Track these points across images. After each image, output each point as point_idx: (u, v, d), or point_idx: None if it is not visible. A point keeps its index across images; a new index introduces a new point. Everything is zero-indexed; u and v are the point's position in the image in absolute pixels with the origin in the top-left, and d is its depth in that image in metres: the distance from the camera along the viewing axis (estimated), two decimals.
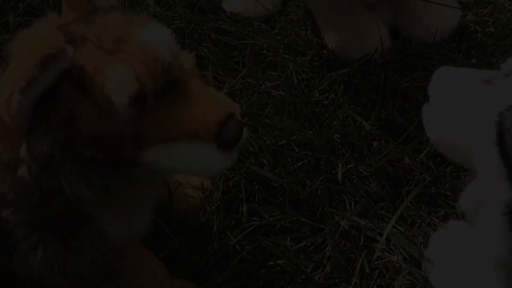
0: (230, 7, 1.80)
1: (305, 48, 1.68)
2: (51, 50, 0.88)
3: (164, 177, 1.24)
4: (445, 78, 1.09)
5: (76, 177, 0.95)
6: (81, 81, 0.92)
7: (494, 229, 0.97)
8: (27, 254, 1.06)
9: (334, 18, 1.64)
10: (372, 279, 1.33)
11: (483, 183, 0.98)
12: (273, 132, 1.50)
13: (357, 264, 1.34)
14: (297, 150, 1.48)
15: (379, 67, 1.60)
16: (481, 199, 0.99)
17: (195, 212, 1.40)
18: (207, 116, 0.97)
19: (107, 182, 0.98)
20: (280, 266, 1.35)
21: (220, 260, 1.36)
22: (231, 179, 1.45)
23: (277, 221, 1.40)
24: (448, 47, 1.63)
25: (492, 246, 0.98)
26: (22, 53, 0.90)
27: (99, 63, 0.92)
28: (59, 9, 1.08)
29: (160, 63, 0.95)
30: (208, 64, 1.67)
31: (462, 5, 1.69)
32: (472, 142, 0.99)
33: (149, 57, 0.95)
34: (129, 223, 1.13)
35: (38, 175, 0.95)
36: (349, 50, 1.62)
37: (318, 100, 1.57)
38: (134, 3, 1.83)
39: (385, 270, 1.34)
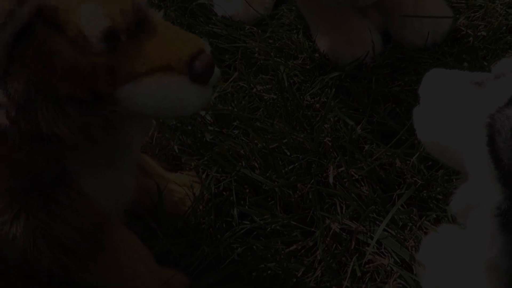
0: (222, 10, 1.80)
1: (296, 51, 1.68)
2: None
3: (141, 132, 1.23)
4: (435, 80, 1.09)
5: (54, 116, 0.97)
6: (54, 19, 0.95)
7: (485, 231, 0.97)
8: (9, 225, 1.06)
9: (326, 22, 1.64)
10: (363, 283, 1.33)
11: (474, 186, 0.98)
12: (264, 135, 1.49)
13: (348, 268, 1.33)
14: (288, 154, 1.48)
15: (371, 71, 1.60)
16: (472, 202, 0.99)
17: (185, 214, 1.39)
18: (179, 49, 1.00)
19: (85, 121, 0.99)
20: (271, 269, 1.35)
21: (211, 263, 1.36)
22: (222, 182, 1.45)
23: (268, 225, 1.39)
24: (440, 51, 1.63)
25: (483, 249, 0.98)
26: None
27: (72, 2, 0.96)
28: None
29: (131, 2, 1.00)
30: None
31: (453, 9, 1.70)
32: (463, 144, 0.99)
33: None
34: (110, 187, 1.14)
35: (16, 118, 0.96)
36: (340, 54, 1.62)
37: (310, 104, 1.57)
38: None
39: (376, 273, 1.33)
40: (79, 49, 0.95)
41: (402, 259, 1.33)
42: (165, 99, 1.01)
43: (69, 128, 0.98)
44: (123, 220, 1.24)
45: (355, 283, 1.32)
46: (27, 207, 1.05)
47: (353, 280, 1.33)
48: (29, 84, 0.95)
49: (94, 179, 1.11)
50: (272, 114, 1.54)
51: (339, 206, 1.41)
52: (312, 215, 1.40)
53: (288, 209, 1.42)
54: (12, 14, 0.90)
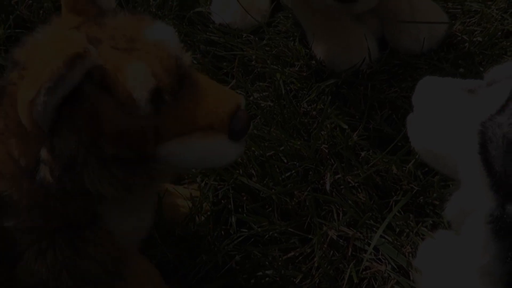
0: (219, 18, 1.80)
1: (293, 59, 1.68)
2: (78, 49, 0.90)
3: (176, 172, 1.27)
4: (429, 88, 1.10)
5: (99, 176, 0.97)
6: (103, 80, 0.94)
7: (478, 238, 0.97)
8: (35, 261, 1.06)
9: (322, 29, 1.65)
10: None
11: (467, 193, 0.99)
12: (261, 143, 1.50)
13: (345, 274, 1.34)
14: (285, 161, 1.48)
15: (367, 77, 1.60)
16: (465, 209, 1.00)
17: (184, 222, 1.40)
18: (219, 108, 1.00)
19: (129, 180, 1.00)
20: (268, 276, 1.35)
21: (209, 270, 1.36)
22: (220, 190, 1.45)
23: (265, 232, 1.40)
24: (436, 56, 1.64)
25: (477, 255, 0.99)
26: (42, 57, 0.92)
27: (117, 62, 0.95)
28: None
29: (173, 59, 0.99)
30: None
31: (449, 15, 1.70)
32: (456, 152, 0.99)
33: (163, 53, 0.98)
34: (133, 223, 1.15)
35: (61, 176, 0.96)
36: (337, 61, 1.63)
37: (306, 111, 1.58)
38: None
39: (374, 280, 1.34)
40: (126, 112, 0.95)
41: (399, 265, 1.34)
42: (204, 156, 1.03)
43: (114, 186, 0.99)
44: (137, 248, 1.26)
45: None
46: (55, 244, 1.06)
47: (351, 287, 1.33)
48: (77, 146, 0.94)
49: (119, 219, 1.11)
50: (269, 121, 1.54)
51: (336, 213, 1.42)
52: (309, 222, 1.41)
53: (286, 216, 1.42)
54: (63, 78, 0.88)
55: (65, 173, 0.96)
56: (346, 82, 1.60)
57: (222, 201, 1.45)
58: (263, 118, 1.56)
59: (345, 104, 1.57)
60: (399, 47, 1.66)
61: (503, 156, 0.91)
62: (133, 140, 0.97)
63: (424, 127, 1.07)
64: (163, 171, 1.04)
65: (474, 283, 1.08)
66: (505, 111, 0.92)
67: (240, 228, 1.41)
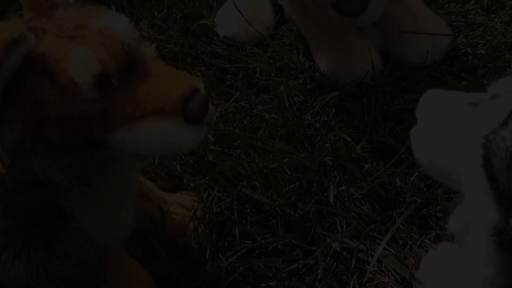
0: (223, 31, 1.81)
1: (297, 71, 1.69)
2: (13, 35, 0.90)
3: (138, 167, 1.23)
4: (432, 101, 1.10)
5: (48, 163, 0.96)
6: (44, 66, 0.94)
7: (481, 250, 0.97)
8: (12, 264, 1.07)
9: (326, 42, 1.65)
10: None
11: (470, 205, 0.99)
12: (265, 155, 1.50)
13: (349, 286, 1.34)
14: (289, 173, 1.49)
15: (371, 90, 1.61)
16: (469, 221, 1.00)
17: (186, 233, 1.40)
18: (172, 91, 0.99)
19: (80, 166, 0.99)
20: None
21: (213, 282, 1.37)
22: (224, 201, 1.46)
23: (269, 244, 1.40)
24: (439, 69, 1.64)
25: (480, 267, 0.99)
26: None
27: (61, 48, 0.95)
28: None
29: (120, 44, 0.99)
30: None
31: (452, 27, 1.70)
32: (459, 165, 1.00)
33: (109, 39, 0.98)
34: (110, 221, 1.14)
35: (12, 166, 0.96)
36: (340, 73, 1.63)
37: (310, 123, 1.58)
38: None
39: None
40: (70, 97, 0.94)
41: (403, 277, 1.34)
42: (159, 141, 1.01)
43: (64, 174, 0.98)
44: (123, 246, 1.25)
45: None
46: (29, 244, 1.06)
47: None
48: (22, 133, 0.94)
49: (92, 215, 1.11)
50: (273, 133, 1.55)
51: (340, 225, 1.42)
52: (313, 234, 1.41)
53: (289, 228, 1.43)
54: (1, 64, 0.89)
55: (15, 162, 0.96)
56: (350, 94, 1.61)
57: (226, 212, 1.45)
58: (267, 130, 1.56)
59: (348, 117, 1.58)
60: (402, 60, 1.66)
61: (507, 169, 0.91)
62: (78, 125, 0.96)
63: (428, 140, 1.07)
64: (116, 157, 1.03)
65: None
66: (508, 125, 0.92)
67: (244, 240, 1.42)
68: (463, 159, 0.98)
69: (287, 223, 1.43)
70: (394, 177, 1.44)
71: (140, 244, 1.37)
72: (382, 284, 1.34)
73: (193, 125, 1.01)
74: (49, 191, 1.03)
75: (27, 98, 0.94)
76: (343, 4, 1.42)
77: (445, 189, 1.40)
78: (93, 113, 0.96)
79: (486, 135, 0.93)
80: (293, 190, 1.46)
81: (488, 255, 0.97)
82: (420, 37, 1.63)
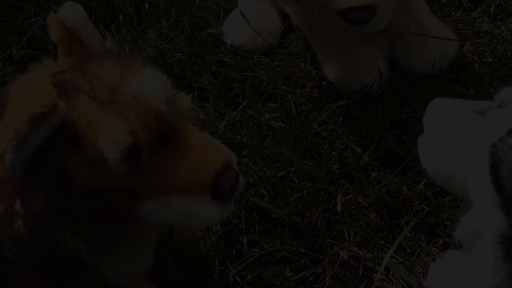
0: (231, 39, 1.81)
1: (304, 80, 1.69)
2: (42, 109, 0.86)
3: (162, 227, 1.21)
4: (439, 110, 1.11)
5: (71, 234, 0.94)
6: (74, 136, 0.90)
7: (489, 258, 0.98)
8: None
9: (333, 50, 1.66)
10: None
11: (478, 213, 0.99)
12: (272, 163, 1.51)
13: None
14: (296, 181, 1.49)
15: (378, 98, 1.61)
16: (476, 229, 1.00)
17: (195, 242, 1.40)
18: (202, 169, 0.95)
19: (103, 238, 0.97)
20: None
21: None
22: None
23: (277, 252, 1.40)
24: (446, 77, 1.64)
25: (488, 275, 0.99)
26: (15, 108, 0.89)
27: (92, 116, 0.91)
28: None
29: (155, 114, 0.94)
30: (208, 96, 1.68)
31: (459, 36, 1.71)
32: (467, 173, 1.00)
33: (144, 108, 0.93)
34: (129, 265, 1.12)
35: (33, 231, 0.93)
36: (348, 82, 1.64)
37: (317, 132, 1.58)
38: (136, 36, 1.85)
39: None
40: (97, 171, 0.90)
41: (410, 285, 1.34)
42: (186, 217, 0.98)
43: (87, 244, 0.95)
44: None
45: None
46: (45, 283, 1.05)
47: None
48: (47, 202, 0.91)
49: (111, 261, 1.08)
50: (280, 142, 1.55)
51: (347, 233, 1.42)
52: (320, 242, 1.41)
53: (297, 236, 1.43)
54: (26, 138, 0.86)
55: (37, 228, 0.93)
56: (357, 103, 1.61)
57: (234, 220, 1.45)
58: (275, 139, 1.57)
59: (356, 125, 1.58)
60: (409, 68, 1.67)
61: None
62: (103, 200, 0.93)
63: (435, 148, 1.08)
64: (142, 229, 1.01)
65: None
66: None
67: (252, 248, 1.42)
68: (471, 167, 0.98)
69: (294, 231, 1.43)
70: (402, 185, 1.44)
71: None
72: None
73: (221, 202, 0.98)
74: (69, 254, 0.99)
75: (53, 169, 0.90)
76: (350, 13, 1.42)
77: (452, 197, 1.40)
78: (120, 189, 0.93)
79: (493, 143, 0.94)
80: (301, 199, 1.47)
81: (496, 263, 0.97)
82: (427, 45, 1.63)
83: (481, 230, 0.99)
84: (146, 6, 1.95)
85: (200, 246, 1.41)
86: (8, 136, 0.86)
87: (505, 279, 0.97)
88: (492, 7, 1.78)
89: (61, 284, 1.06)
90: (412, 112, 1.58)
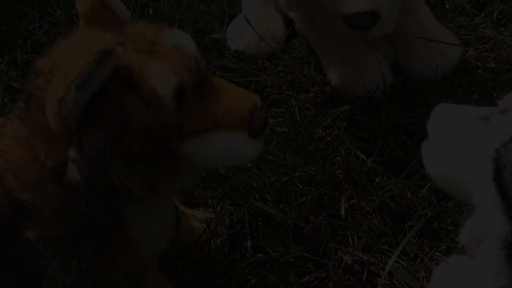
0: (234, 45, 1.82)
1: (308, 85, 1.70)
2: (106, 46, 0.93)
3: (194, 176, 1.28)
4: (443, 115, 1.11)
5: (125, 172, 1.00)
6: (129, 78, 0.97)
7: (492, 262, 0.98)
8: (59, 272, 1.07)
9: (337, 55, 1.66)
10: None
11: (481, 218, 1.00)
12: (276, 168, 1.51)
13: None
14: (300, 186, 1.49)
15: (381, 103, 1.62)
16: (480, 234, 1.00)
17: (200, 244, 1.41)
18: (239, 106, 1.04)
19: (154, 175, 1.03)
20: None
21: None
22: (235, 214, 1.46)
23: (280, 256, 1.41)
24: (449, 82, 1.65)
25: (491, 280, 1.00)
26: (73, 56, 0.95)
27: (141, 62, 0.98)
28: None
29: (193, 60, 1.03)
30: None
31: (463, 41, 1.71)
32: (470, 178, 1.00)
33: (183, 55, 1.02)
34: (156, 230, 1.17)
35: (89, 174, 0.98)
36: (351, 87, 1.64)
37: (321, 137, 1.59)
38: None
39: None
40: (152, 109, 0.97)
41: None
42: (226, 153, 1.06)
43: (139, 182, 1.01)
44: (157, 263, 1.26)
45: None
46: (79, 253, 1.08)
47: None
48: (105, 142, 0.97)
49: (142, 225, 1.13)
50: (284, 147, 1.56)
51: (351, 238, 1.42)
52: (324, 246, 1.41)
53: (301, 241, 1.43)
54: (93, 75, 0.91)
55: (93, 171, 0.98)
56: (361, 108, 1.62)
57: (238, 225, 1.46)
58: (279, 144, 1.57)
59: (359, 130, 1.58)
60: (412, 73, 1.67)
61: None
62: (158, 136, 0.99)
63: (439, 154, 1.08)
64: (186, 168, 1.06)
65: None
66: None
67: (256, 253, 1.42)
68: (474, 172, 0.99)
69: (298, 236, 1.44)
70: (405, 190, 1.45)
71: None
72: None
73: (255, 138, 1.06)
74: (113, 200, 1.06)
75: (111, 109, 0.96)
76: (354, 18, 1.43)
77: (456, 202, 1.41)
78: (171, 125, 1.00)
79: (497, 148, 0.94)
80: (305, 203, 1.47)
81: (499, 268, 0.97)
82: (431, 50, 1.64)
83: (484, 234, 0.99)
84: (150, 11, 1.95)
85: (205, 250, 1.42)
86: (67, 81, 0.91)
87: (508, 284, 0.97)
88: (495, 13, 1.79)
89: (96, 253, 1.08)
90: (415, 116, 1.58)
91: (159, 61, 0.99)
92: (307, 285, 1.38)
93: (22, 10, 1.98)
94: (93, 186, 1.00)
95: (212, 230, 1.41)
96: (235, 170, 1.52)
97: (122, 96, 0.96)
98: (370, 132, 1.57)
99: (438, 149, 1.09)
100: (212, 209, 1.47)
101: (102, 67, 0.91)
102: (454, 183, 1.07)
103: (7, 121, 1.08)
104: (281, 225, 1.45)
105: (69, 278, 1.08)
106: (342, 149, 1.54)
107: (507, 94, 1.08)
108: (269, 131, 1.59)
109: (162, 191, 1.08)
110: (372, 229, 1.42)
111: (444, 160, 1.07)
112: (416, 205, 1.44)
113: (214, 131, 1.03)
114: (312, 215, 1.44)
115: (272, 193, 1.47)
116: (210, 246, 1.42)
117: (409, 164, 1.47)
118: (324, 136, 1.59)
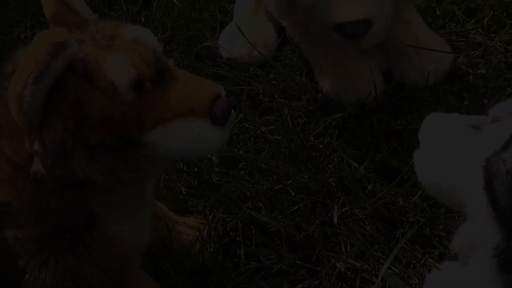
0: (226, 53, 1.83)
1: (300, 92, 1.70)
2: (60, 39, 0.95)
3: (162, 166, 1.28)
4: (435, 124, 1.12)
5: (87, 162, 1.01)
6: (85, 70, 0.99)
7: (484, 270, 0.98)
8: (39, 271, 1.10)
9: (328, 63, 1.67)
10: None
11: (473, 226, 1.00)
12: (269, 176, 1.52)
13: None
14: (293, 194, 1.50)
15: (373, 110, 1.62)
16: (472, 242, 1.01)
17: (192, 253, 1.41)
18: (199, 94, 1.06)
19: (117, 165, 1.04)
20: None
21: None
22: (229, 223, 1.47)
23: (274, 264, 1.41)
24: (441, 89, 1.65)
25: (483, 287, 1.00)
26: (30, 51, 0.96)
27: (99, 55, 1.01)
28: None
29: (152, 52, 1.06)
30: None
31: (453, 47, 1.72)
32: (462, 187, 1.01)
33: (142, 47, 1.05)
34: (133, 227, 1.19)
35: (52, 166, 1.00)
36: (343, 94, 1.65)
37: (314, 144, 1.59)
38: None
39: None
40: (109, 99, 1.00)
41: None
42: (189, 142, 1.06)
43: (102, 172, 1.03)
44: (141, 261, 1.27)
45: None
46: (56, 251, 1.10)
47: None
48: (65, 134, 0.99)
49: (117, 221, 1.15)
50: (277, 155, 1.56)
51: (344, 245, 1.43)
52: (317, 254, 1.42)
53: (294, 249, 1.44)
54: (47, 67, 0.93)
55: (56, 162, 1.00)
56: (353, 115, 1.62)
57: (231, 233, 1.46)
58: (271, 152, 1.58)
59: (351, 137, 1.59)
60: (404, 80, 1.68)
61: (508, 191, 0.92)
62: (117, 126, 1.01)
63: (431, 163, 1.09)
64: (149, 159, 1.07)
65: None
66: (509, 148, 0.94)
67: (249, 261, 1.43)
68: (466, 181, 0.99)
69: (291, 244, 1.44)
70: (397, 197, 1.45)
71: (151, 263, 1.38)
72: None
73: (218, 126, 1.06)
74: (82, 194, 1.07)
75: (69, 100, 0.99)
76: (346, 27, 1.44)
77: (448, 208, 1.41)
78: (130, 114, 1.02)
79: (488, 158, 0.95)
80: (298, 211, 1.48)
81: (491, 276, 0.98)
82: (422, 57, 1.64)
83: (476, 242, 1.00)
84: (142, 19, 1.96)
85: (198, 258, 1.42)
86: (24, 75, 0.93)
87: None
88: (485, 19, 1.79)
89: (73, 250, 1.10)
90: (407, 123, 1.59)
91: (117, 53, 1.02)
92: None
93: (14, 19, 1.98)
94: (59, 179, 1.02)
95: (204, 237, 1.41)
96: (228, 178, 1.53)
97: (79, 87, 0.99)
98: (362, 139, 1.57)
99: (430, 158, 1.09)
100: (203, 216, 1.48)
101: (56, 58, 0.94)
102: (446, 192, 1.08)
103: None
104: (274, 233, 1.46)
105: (48, 276, 1.10)
106: (335, 156, 1.54)
107: (498, 102, 1.08)
108: (262, 141, 1.60)
109: (131, 183, 1.09)
110: (364, 236, 1.43)
111: (436, 169, 1.08)
112: (408, 212, 1.45)
113: (175, 120, 1.04)
114: (305, 223, 1.45)
115: (265, 201, 1.48)
116: (204, 255, 1.42)
117: (401, 171, 1.47)
118: (316, 143, 1.60)
